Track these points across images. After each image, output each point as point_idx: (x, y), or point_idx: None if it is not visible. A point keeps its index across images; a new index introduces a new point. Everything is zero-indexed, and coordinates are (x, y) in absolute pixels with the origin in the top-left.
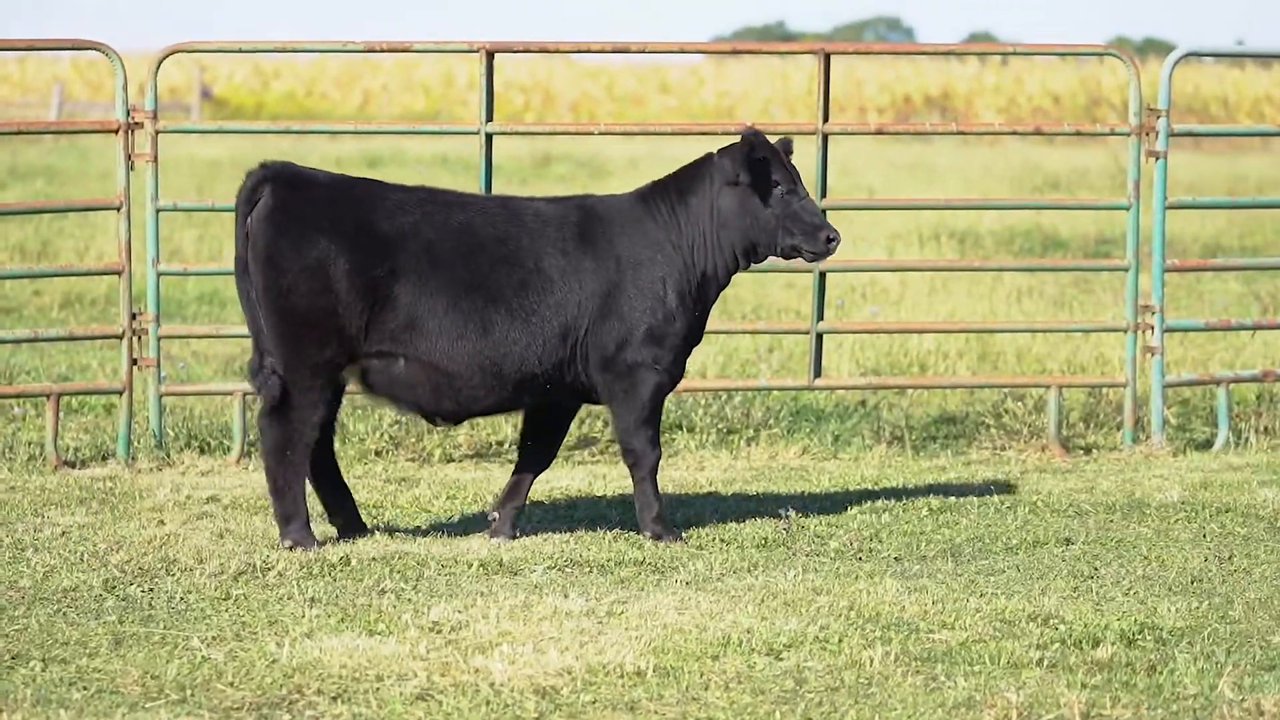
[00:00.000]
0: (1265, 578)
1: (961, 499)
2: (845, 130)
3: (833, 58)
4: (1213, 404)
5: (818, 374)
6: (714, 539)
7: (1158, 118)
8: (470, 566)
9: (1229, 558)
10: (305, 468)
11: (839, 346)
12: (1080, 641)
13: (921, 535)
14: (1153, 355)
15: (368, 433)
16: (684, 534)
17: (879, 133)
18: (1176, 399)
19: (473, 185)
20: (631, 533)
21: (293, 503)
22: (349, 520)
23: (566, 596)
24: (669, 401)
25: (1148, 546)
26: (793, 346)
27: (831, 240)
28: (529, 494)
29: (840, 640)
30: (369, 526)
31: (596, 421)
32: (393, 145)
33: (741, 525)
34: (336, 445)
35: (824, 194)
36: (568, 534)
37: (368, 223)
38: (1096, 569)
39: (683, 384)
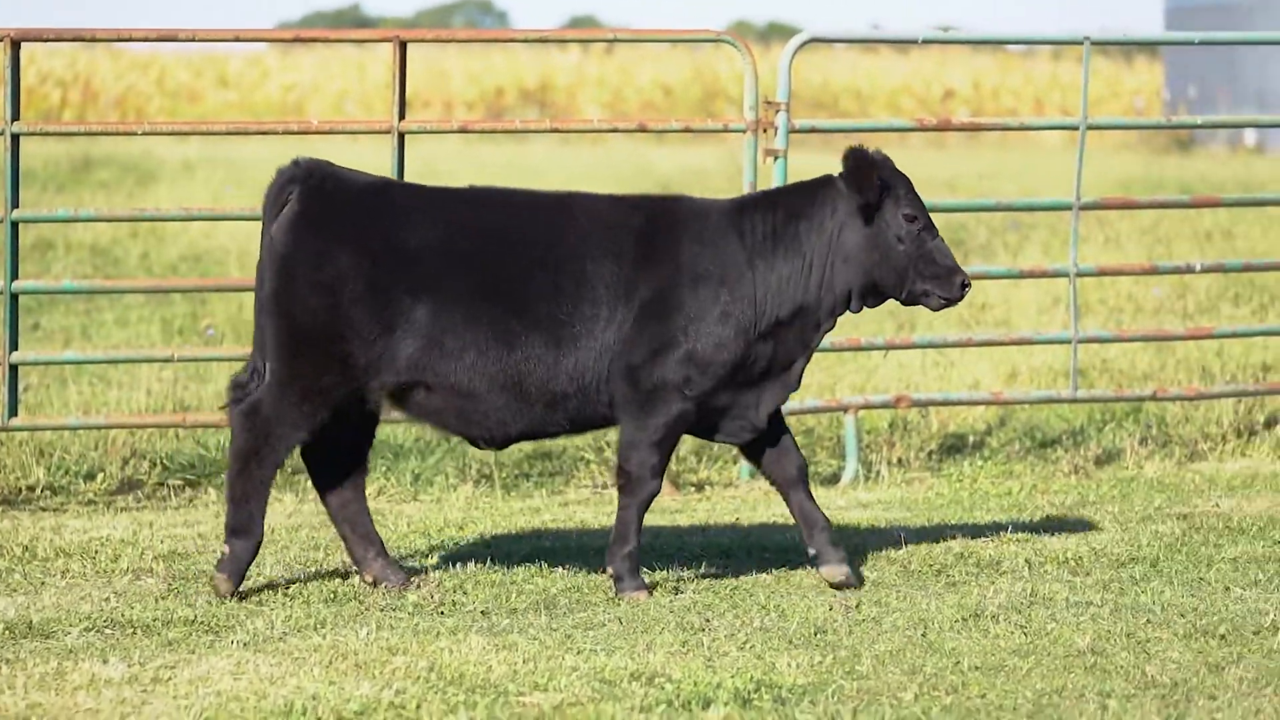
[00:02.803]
0: (896, 628)
1: (558, 544)
2: (424, 129)
3: (411, 46)
4: (840, 433)
5: None
6: (276, 594)
7: (776, 112)
8: None
9: (856, 606)
10: (269, 485)
11: None
12: (690, 702)
13: (512, 585)
14: None
15: None
16: (648, 584)
17: (463, 130)
18: (800, 428)
19: None
20: (182, 584)
21: (247, 518)
22: (385, 566)
23: (106, 662)
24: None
25: (766, 594)
26: None
27: (966, 286)
28: (818, 504)
29: (419, 706)
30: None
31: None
32: None
33: (308, 578)
34: None
35: None
36: (108, 590)
37: (397, 238)
38: (708, 620)
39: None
